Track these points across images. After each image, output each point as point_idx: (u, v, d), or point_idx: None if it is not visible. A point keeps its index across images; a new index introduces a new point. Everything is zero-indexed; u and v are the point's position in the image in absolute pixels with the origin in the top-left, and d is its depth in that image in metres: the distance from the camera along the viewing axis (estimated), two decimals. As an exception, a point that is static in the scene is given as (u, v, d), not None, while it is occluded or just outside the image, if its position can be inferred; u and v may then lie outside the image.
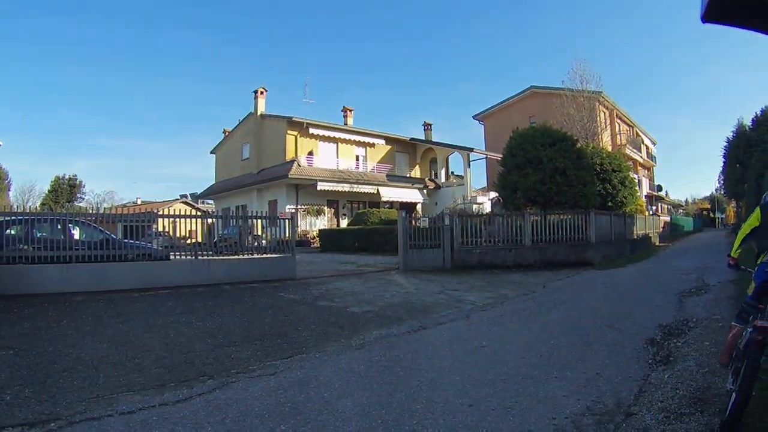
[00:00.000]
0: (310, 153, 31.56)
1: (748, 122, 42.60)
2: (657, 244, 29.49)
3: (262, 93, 34.07)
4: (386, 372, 5.28)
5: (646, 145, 49.18)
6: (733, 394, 3.61)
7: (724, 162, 48.66)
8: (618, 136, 39.22)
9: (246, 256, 12.81)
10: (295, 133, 30.95)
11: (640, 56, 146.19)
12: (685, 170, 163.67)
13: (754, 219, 4.29)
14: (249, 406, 4.22)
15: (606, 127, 34.85)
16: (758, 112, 38.90)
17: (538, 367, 5.32)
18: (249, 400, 4.36)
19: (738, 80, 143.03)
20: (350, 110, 36.28)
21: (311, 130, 31.31)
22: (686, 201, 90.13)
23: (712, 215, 78.38)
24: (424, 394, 4.53)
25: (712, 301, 9.54)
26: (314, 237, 29.31)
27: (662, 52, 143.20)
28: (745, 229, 4.33)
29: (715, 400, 4.25)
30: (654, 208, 46.27)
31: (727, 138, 47.18)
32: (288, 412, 4.07)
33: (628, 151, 38.55)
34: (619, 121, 40.52)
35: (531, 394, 4.48)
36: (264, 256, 13.00)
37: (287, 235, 13.48)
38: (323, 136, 32.13)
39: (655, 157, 54.20)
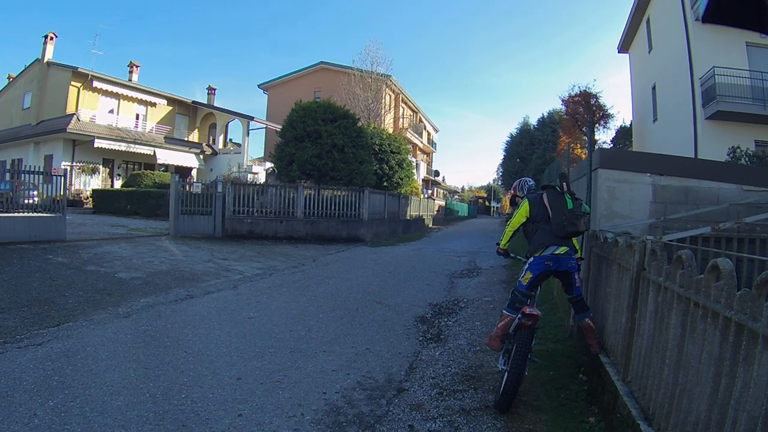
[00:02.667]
0: (111, 111, 31.07)
1: (533, 122, 49.41)
2: (430, 226, 32.52)
3: (51, 39, 31.67)
4: (153, 342, 5.35)
5: (428, 131, 53.73)
6: (506, 374, 3.99)
7: (504, 155, 55.96)
8: (401, 119, 42.04)
9: (17, 215, 11.70)
10: (79, 85, 29.52)
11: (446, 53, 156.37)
12: (467, 160, 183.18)
13: (523, 212, 4.55)
14: (17, 379, 4.11)
15: (390, 109, 37.31)
16: (545, 114, 45.70)
17: (306, 341, 5.74)
18: (17, 373, 4.27)
19: (525, 83, 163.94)
20: (137, 66, 35.34)
21: (95, 83, 30.19)
22: (463, 188, 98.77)
23: (488, 204, 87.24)
24: (192, 366, 4.71)
25: (483, 284, 10.38)
26: (87, 197, 27.99)
27: (468, 53, 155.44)
28: (515, 223, 4.59)
29: (488, 378, 4.78)
30: (430, 191, 50.23)
31: (511, 134, 54.64)
32: (56, 386, 4.02)
33: (409, 135, 41.45)
34: (404, 105, 43.50)
35: (300, 367, 4.85)
36: (35, 214, 12.06)
37: (60, 193, 12.55)
38: (106, 90, 31.09)
39: (435, 144, 59.40)
